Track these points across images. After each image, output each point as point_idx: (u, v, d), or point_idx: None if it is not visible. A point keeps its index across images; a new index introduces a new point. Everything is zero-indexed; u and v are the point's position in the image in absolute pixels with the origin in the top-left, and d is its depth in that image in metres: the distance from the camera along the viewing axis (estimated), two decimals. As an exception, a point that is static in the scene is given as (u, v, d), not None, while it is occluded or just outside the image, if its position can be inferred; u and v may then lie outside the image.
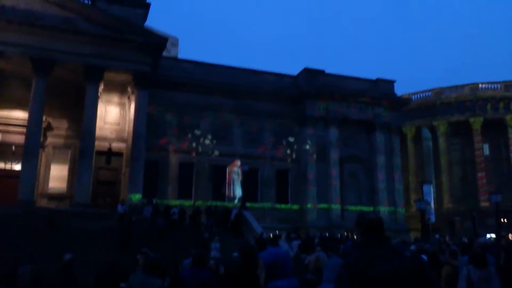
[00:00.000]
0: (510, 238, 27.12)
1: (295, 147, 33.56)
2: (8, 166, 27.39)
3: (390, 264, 2.82)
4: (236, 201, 30.71)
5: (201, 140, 31.33)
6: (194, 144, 31.09)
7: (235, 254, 15.36)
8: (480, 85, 44.89)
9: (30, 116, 24.98)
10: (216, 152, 31.50)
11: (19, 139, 26.06)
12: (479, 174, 42.52)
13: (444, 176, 43.87)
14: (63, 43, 25.57)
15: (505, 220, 35.17)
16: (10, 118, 27.38)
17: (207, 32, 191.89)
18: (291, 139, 33.59)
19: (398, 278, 2.78)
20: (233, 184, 31.43)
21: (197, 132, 31.35)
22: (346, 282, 2.83)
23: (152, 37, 27.96)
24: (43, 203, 26.89)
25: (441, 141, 44.67)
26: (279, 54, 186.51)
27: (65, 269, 5.49)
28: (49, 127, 28.11)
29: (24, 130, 25.30)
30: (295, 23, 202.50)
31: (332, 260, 4.78)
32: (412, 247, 10.30)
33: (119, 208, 22.84)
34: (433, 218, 37.15)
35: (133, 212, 22.78)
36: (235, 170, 31.33)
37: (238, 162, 31.15)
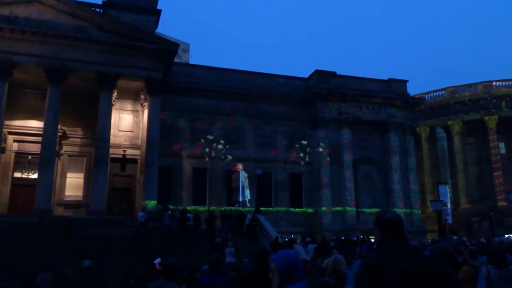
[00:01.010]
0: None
1: (308, 150, 33.44)
2: (24, 175, 27.72)
3: (409, 263, 2.80)
4: (247, 204, 30.63)
5: (214, 145, 31.39)
6: (207, 149, 31.17)
7: (246, 260, 15.35)
8: (494, 83, 44.35)
9: (45, 125, 25.27)
10: (229, 157, 31.52)
11: (35, 148, 26.39)
12: (496, 173, 41.93)
13: (460, 176, 43.35)
14: (75, 51, 25.90)
15: (524, 219, 34.61)
16: (25, 128, 27.74)
17: (218, 37, 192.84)
18: (304, 142, 33.48)
19: (418, 277, 2.76)
20: (242, 188, 31.42)
21: (210, 137, 31.42)
22: (365, 282, 2.81)
23: (164, 43, 28.15)
24: (59, 211, 27.18)
25: (456, 141, 44.16)
26: (289, 58, 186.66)
27: (84, 276, 5.51)
28: (64, 136, 28.41)
29: (39, 139, 25.61)
30: (304, 28, 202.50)
31: (357, 262, 4.75)
32: (430, 249, 10.22)
33: (140, 215, 22.97)
34: (450, 219, 36.59)
35: (149, 219, 22.91)
36: (242, 173, 31.31)
37: (240, 165, 31.14)
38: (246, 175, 30.98)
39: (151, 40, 27.54)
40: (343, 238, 25.59)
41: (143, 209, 24.01)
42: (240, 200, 30.85)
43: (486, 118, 43.03)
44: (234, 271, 9.64)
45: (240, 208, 29.43)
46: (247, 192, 31.13)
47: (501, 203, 39.96)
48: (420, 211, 35.38)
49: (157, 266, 11.28)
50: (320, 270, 8.79)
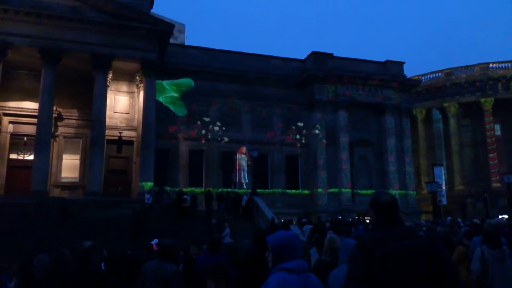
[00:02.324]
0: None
1: (304, 132, 33.45)
2: (20, 156, 27.66)
3: (403, 242, 2.84)
4: (244, 186, 30.77)
5: (210, 127, 31.35)
6: (203, 131, 31.14)
7: (246, 241, 15.49)
8: (490, 65, 44.34)
9: (40, 106, 25.14)
10: (226, 139, 31.53)
11: (31, 129, 26.28)
12: (491, 155, 42.19)
13: (455, 158, 43.59)
14: (70, 32, 25.64)
15: (517, 200, 34.86)
16: (21, 109, 27.61)
17: (214, 17, 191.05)
18: (300, 124, 33.46)
19: (411, 257, 2.80)
20: (243, 170, 31.54)
21: (206, 119, 31.35)
22: (359, 262, 2.85)
23: (159, 24, 27.88)
24: (56, 193, 27.23)
25: (452, 123, 44.29)
26: (286, 38, 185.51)
27: (84, 256, 5.53)
28: (59, 117, 28.31)
29: (35, 120, 25.52)
30: (302, 7, 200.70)
31: (344, 241, 4.82)
32: (424, 229, 10.37)
33: (147, 196, 23.12)
34: (444, 200, 36.98)
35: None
36: (243, 157, 31.38)
37: (245, 149, 31.20)
38: (246, 158, 31.06)
39: (146, 20, 27.25)
40: (339, 217, 25.83)
41: (149, 190, 24.05)
42: (243, 181, 30.95)
43: (482, 100, 43.12)
44: (228, 251, 9.76)
45: (237, 190, 29.59)
46: (245, 175, 31.29)
47: (496, 185, 40.30)
48: (415, 193, 35.64)
49: (154, 247, 11.38)
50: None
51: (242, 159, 31.39)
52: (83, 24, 25.89)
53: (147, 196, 23.25)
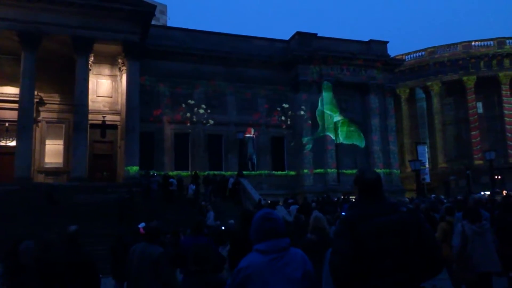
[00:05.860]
0: (504, 194, 27.48)
1: (289, 113, 33.46)
2: (2, 143, 27.24)
3: (386, 217, 2.90)
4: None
5: (195, 109, 31.16)
6: (188, 114, 30.95)
7: (231, 221, 15.61)
8: (473, 43, 44.65)
9: (21, 91, 24.66)
10: (211, 121, 31.41)
11: (12, 115, 25.84)
12: (473, 133, 42.80)
13: (438, 136, 44.13)
14: (50, 14, 25.01)
15: (499, 177, 35.62)
16: (1, 95, 27.09)
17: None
18: (286, 105, 33.45)
19: (394, 231, 2.86)
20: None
21: (191, 101, 31.14)
22: (343, 237, 2.91)
23: (141, 5, 27.35)
24: (40, 178, 26.97)
25: (435, 101, 44.71)
26: (270, 19, 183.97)
27: (70, 241, 5.53)
28: (41, 102, 27.86)
29: (16, 106, 25.02)
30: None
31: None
32: (410, 206, 10.55)
33: (192, 187, 23.59)
34: (428, 178, 37.56)
35: (133, 185, 22.95)
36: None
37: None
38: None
39: (127, 1, 26.70)
40: (325, 196, 26.13)
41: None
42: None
43: (464, 78, 43.52)
44: (213, 233, 9.87)
45: (223, 172, 29.64)
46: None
47: (478, 162, 40.97)
48: (399, 171, 36.08)
49: (141, 231, 11.39)
50: (302, 228, 8.97)
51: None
52: (63, 6, 25.28)
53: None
